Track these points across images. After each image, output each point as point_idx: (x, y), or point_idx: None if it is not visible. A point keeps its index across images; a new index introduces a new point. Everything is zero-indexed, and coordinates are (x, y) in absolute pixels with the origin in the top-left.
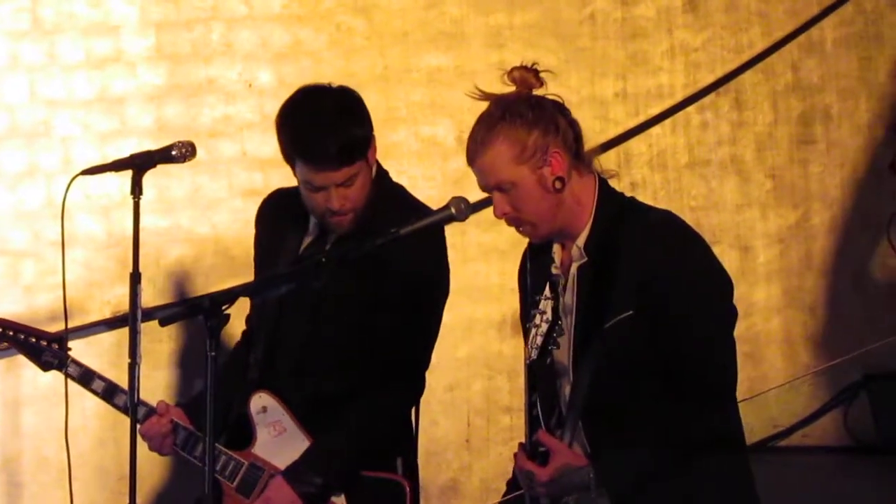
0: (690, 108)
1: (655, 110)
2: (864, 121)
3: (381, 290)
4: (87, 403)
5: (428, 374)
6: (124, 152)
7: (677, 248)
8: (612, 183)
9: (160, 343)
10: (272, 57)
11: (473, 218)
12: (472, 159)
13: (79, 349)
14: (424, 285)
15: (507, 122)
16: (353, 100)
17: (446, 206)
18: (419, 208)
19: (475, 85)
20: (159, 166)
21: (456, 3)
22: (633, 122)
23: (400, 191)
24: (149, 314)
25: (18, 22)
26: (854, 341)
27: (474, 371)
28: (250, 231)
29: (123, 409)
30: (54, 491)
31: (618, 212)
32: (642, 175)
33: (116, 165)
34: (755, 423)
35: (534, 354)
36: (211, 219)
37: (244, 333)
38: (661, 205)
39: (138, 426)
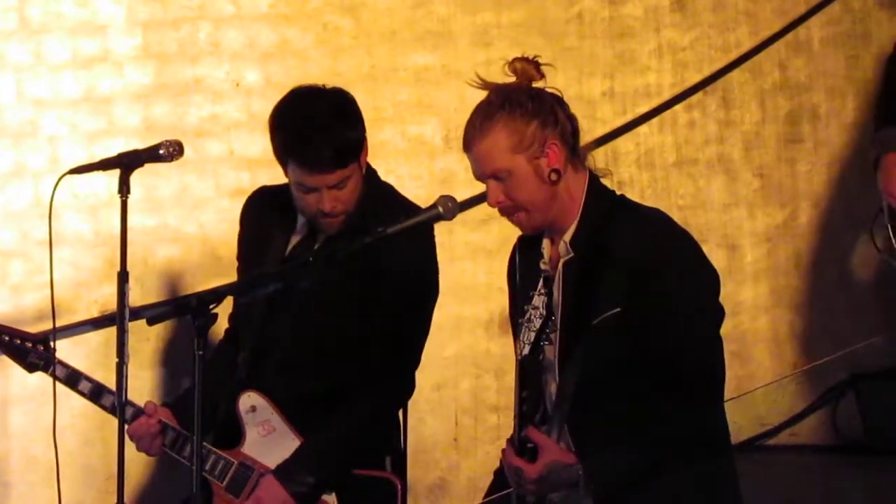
0: (678, 107)
1: (643, 109)
2: (851, 120)
3: (370, 290)
4: (74, 403)
5: (416, 373)
6: (112, 152)
7: (666, 246)
8: (605, 182)
9: (147, 342)
10: (259, 56)
11: (461, 217)
12: (468, 146)
13: (66, 348)
14: (414, 285)
15: (506, 111)
16: (348, 102)
17: (433, 205)
18: (408, 207)
19: (469, 79)
20: (147, 165)
21: (443, 3)
22: (620, 121)
23: (389, 190)
24: (136, 313)
25: (5, 21)
26: (841, 340)
27: (462, 370)
28: (237, 230)
29: (111, 410)
30: (42, 490)
31: (607, 209)
32: (630, 174)
33: (104, 165)
34: (742, 421)
35: (526, 350)
36: (198, 218)
37: (227, 332)
38: (649, 204)
39: (127, 427)
